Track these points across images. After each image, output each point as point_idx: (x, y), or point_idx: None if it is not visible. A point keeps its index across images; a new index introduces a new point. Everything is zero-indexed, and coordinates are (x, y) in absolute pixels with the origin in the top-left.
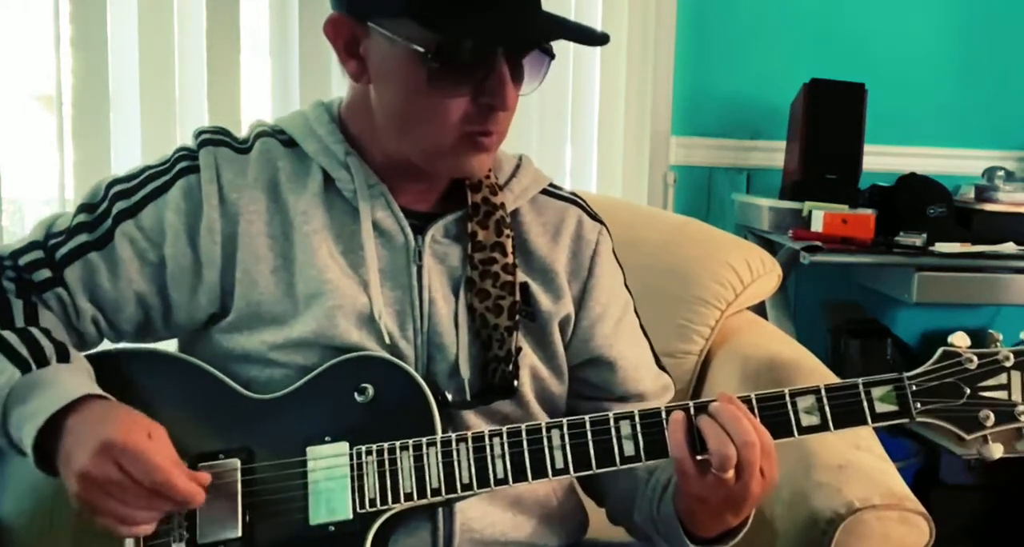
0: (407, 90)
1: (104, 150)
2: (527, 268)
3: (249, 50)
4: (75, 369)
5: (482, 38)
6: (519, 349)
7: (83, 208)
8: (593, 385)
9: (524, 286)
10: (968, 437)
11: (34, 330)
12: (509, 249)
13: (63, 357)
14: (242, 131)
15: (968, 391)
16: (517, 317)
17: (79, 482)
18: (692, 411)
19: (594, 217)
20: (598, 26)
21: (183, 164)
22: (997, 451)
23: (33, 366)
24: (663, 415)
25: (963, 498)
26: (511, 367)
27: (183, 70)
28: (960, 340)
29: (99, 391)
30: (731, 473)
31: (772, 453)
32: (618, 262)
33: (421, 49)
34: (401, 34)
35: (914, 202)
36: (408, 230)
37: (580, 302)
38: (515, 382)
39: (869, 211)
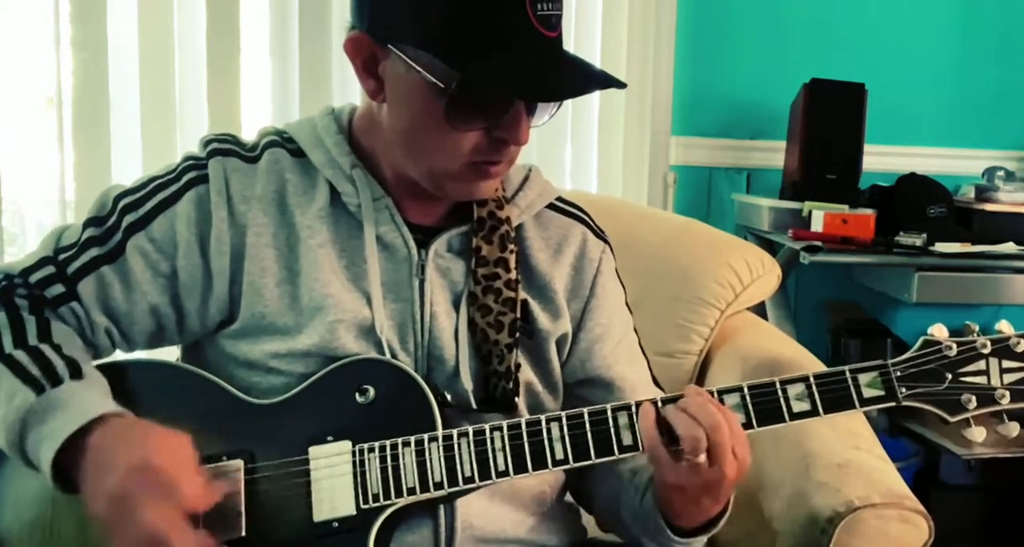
0: (421, 118)
1: (104, 151)
2: (527, 284)
3: (249, 50)
4: (88, 385)
5: (506, 90)
6: (518, 365)
7: (91, 222)
8: (590, 403)
9: (524, 303)
10: (952, 420)
11: (44, 347)
12: (512, 265)
13: (76, 373)
14: (242, 132)
15: (949, 376)
16: (517, 334)
17: (107, 503)
18: (660, 404)
19: (599, 235)
20: (598, 26)
21: (191, 174)
22: (980, 434)
23: (47, 386)
24: (658, 404)
25: (963, 498)
26: (511, 384)
27: (183, 70)
28: (939, 331)
29: (115, 408)
30: (703, 457)
31: (742, 435)
32: (620, 280)
33: (440, 84)
34: (421, 64)
35: (914, 202)
36: (412, 244)
37: (580, 322)
38: (516, 399)
39: (869, 211)
